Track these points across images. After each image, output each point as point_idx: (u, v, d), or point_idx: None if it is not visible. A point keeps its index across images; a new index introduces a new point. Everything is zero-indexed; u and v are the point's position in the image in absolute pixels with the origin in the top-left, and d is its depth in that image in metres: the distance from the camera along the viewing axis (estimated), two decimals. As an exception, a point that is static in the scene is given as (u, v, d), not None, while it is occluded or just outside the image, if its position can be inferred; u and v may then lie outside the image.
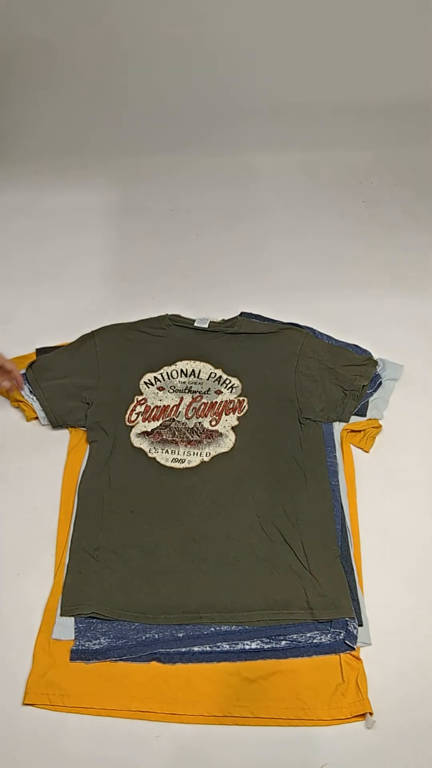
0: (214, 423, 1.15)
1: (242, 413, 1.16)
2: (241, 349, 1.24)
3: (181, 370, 1.22)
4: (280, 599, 0.99)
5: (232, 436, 1.14)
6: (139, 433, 1.15)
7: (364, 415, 1.20)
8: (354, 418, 1.19)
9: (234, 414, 1.16)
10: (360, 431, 1.18)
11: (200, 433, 1.14)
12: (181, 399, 1.18)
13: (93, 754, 0.90)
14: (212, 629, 0.97)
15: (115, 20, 1.55)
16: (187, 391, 1.19)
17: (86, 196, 1.63)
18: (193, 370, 1.22)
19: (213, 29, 1.58)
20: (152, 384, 1.20)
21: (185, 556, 1.02)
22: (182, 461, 1.11)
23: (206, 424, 1.15)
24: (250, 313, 1.31)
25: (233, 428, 1.15)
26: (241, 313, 1.31)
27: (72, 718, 0.92)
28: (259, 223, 1.57)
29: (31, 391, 1.21)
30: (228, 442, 1.13)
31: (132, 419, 1.16)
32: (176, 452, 1.12)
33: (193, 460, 1.11)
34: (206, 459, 1.11)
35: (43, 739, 0.91)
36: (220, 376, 1.21)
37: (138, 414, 1.17)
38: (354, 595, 1.01)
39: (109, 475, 1.10)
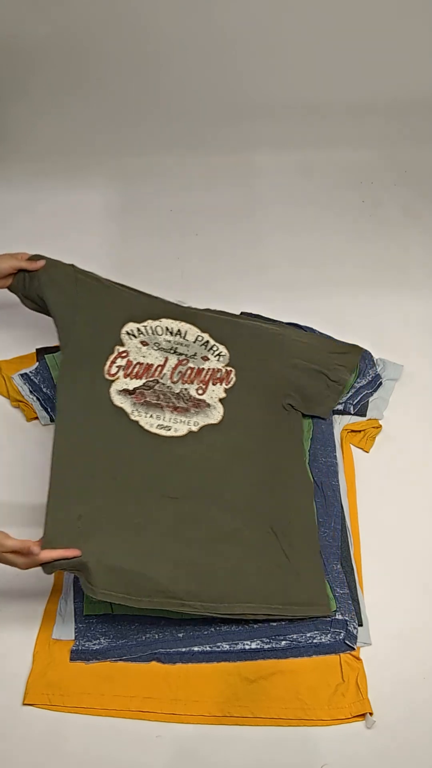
0: (201, 392, 1.07)
1: (230, 385, 1.09)
2: (227, 323, 1.17)
3: (167, 328, 1.12)
4: (261, 592, 0.96)
5: (220, 408, 1.07)
6: (120, 390, 1.05)
7: (364, 415, 1.20)
8: (354, 418, 1.19)
9: (221, 385, 1.09)
10: (360, 431, 1.18)
11: (187, 400, 1.06)
12: (166, 359, 1.09)
13: (93, 754, 0.90)
14: (212, 629, 0.97)
15: (116, 21, 1.55)
16: (172, 351, 1.10)
17: (86, 196, 1.62)
18: (179, 330, 1.12)
19: (213, 29, 1.58)
20: (135, 336, 1.10)
21: (173, 538, 0.97)
22: (168, 428, 1.03)
23: (192, 392, 1.07)
24: (250, 313, 1.31)
25: (221, 400, 1.08)
26: (241, 313, 1.31)
27: (72, 718, 0.93)
28: (259, 222, 1.57)
29: (31, 391, 1.21)
30: (216, 414, 1.06)
31: (112, 372, 1.06)
32: (162, 417, 1.04)
33: (180, 429, 1.04)
34: (194, 429, 1.04)
35: (43, 739, 0.91)
36: (207, 341, 1.12)
37: (119, 368, 1.07)
38: (354, 595, 1.01)
39: (87, 435, 1.01)
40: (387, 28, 1.59)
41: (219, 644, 0.96)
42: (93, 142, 1.70)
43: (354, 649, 0.97)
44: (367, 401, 1.21)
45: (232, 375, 1.10)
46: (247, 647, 0.96)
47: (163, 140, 1.70)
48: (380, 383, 1.23)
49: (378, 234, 1.54)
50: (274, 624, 0.97)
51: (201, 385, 1.08)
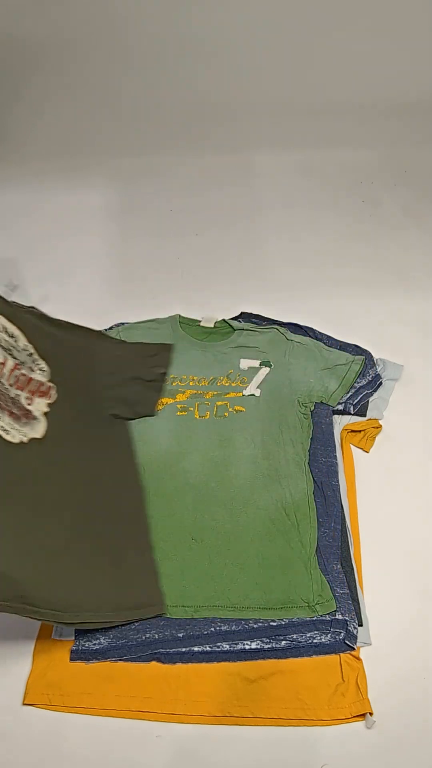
0: (29, 402, 1.05)
1: (51, 400, 1.08)
2: (48, 336, 1.14)
3: (5, 327, 1.07)
4: (96, 601, 0.95)
5: (44, 422, 1.06)
6: None
7: (364, 415, 1.20)
8: (354, 418, 1.19)
9: (44, 399, 1.08)
10: (360, 431, 1.18)
11: (19, 407, 1.04)
12: (6, 359, 1.05)
13: (93, 754, 0.90)
14: (212, 629, 0.97)
15: (116, 21, 1.55)
16: (9, 354, 1.06)
17: (86, 196, 1.63)
18: (13, 334, 1.08)
19: (213, 28, 1.59)
20: None
21: (24, 544, 0.94)
22: (7, 432, 1.01)
23: (23, 400, 1.05)
24: (250, 313, 1.31)
25: (45, 414, 1.07)
26: (241, 313, 1.31)
27: (72, 718, 0.93)
28: (259, 222, 1.57)
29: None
30: (41, 428, 1.05)
31: None
32: (2, 419, 1.01)
33: (16, 436, 1.01)
34: (24, 440, 1.02)
35: (43, 739, 0.91)
36: (32, 353, 1.10)
37: None
38: (354, 595, 1.01)
39: None
40: (387, 28, 1.59)
41: (219, 644, 0.96)
42: (93, 142, 1.70)
43: (354, 649, 0.96)
44: (367, 401, 1.21)
45: (53, 391, 1.09)
46: (247, 647, 0.96)
47: (163, 140, 1.70)
48: (380, 383, 1.23)
49: (378, 234, 1.54)
50: (274, 624, 0.97)
51: (29, 395, 1.06)
